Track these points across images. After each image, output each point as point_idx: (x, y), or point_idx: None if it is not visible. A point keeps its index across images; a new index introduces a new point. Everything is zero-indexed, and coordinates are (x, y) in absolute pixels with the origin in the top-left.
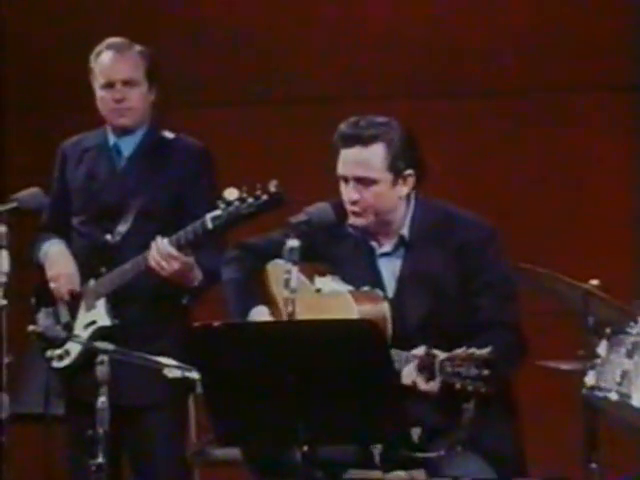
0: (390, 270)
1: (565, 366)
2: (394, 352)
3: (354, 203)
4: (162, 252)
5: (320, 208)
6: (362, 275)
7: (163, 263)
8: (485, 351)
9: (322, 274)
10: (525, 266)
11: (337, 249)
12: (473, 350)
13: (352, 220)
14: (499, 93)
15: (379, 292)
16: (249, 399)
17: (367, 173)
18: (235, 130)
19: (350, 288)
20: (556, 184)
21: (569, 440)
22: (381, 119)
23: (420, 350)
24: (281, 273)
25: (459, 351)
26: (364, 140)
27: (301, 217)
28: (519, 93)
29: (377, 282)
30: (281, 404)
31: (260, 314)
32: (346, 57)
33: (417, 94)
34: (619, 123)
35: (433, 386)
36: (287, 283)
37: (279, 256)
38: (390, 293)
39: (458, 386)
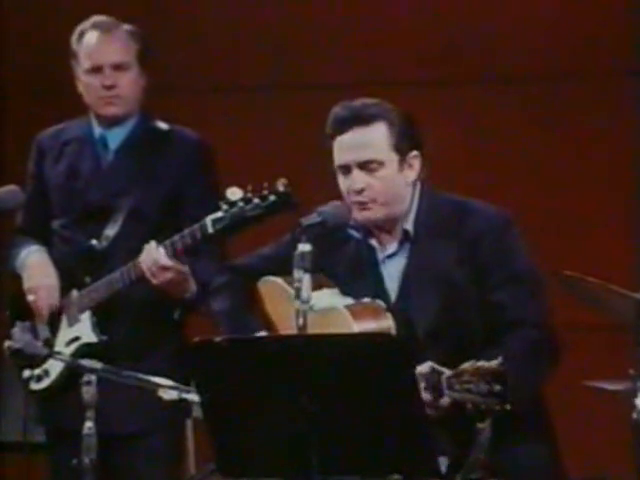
0: (395, 272)
1: (614, 387)
2: None
3: (360, 192)
4: (155, 260)
5: (335, 207)
6: (363, 284)
7: (155, 270)
8: (494, 363)
9: (318, 287)
10: (567, 274)
11: (337, 256)
12: (481, 363)
13: (358, 215)
14: (518, 80)
15: (380, 303)
16: (255, 424)
17: (372, 155)
18: (240, 120)
19: (349, 302)
20: (579, 172)
21: (618, 469)
22: (374, 100)
23: (425, 367)
24: (275, 290)
25: (466, 365)
26: (363, 119)
27: (314, 218)
28: (535, 80)
29: (379, 289)
30: (292, 430)
31: None
32: (358, 44)
33: (427, 81)
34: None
35: (442, 406)
36: (298, 293)
37: (272, 273)
38: (393, 296)
39: (469, 405)
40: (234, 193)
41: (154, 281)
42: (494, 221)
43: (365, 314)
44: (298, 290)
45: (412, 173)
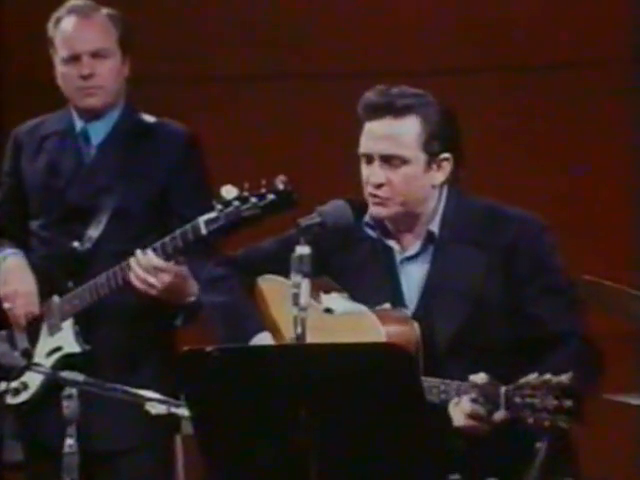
0: (415, 278)
1: (636, 401)
2: (439, 381)
3: (378, 187)
4: (146, 266)
5: (336, 207)
6: (378, 289)
7: (151, 279)
8: (565, 377)
9: (327, 290)
10: (588, 278)
11: (349, 257)
12: (549, 376)
13: (374, 210)
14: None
15: (406, 311)
16: (250, 440)
17: (397, 150)
18: (235, 111)
19: (363, 307)
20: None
21: None
22: (416, 90)
23: (480, 378)
24: (277, 290)
25: (530, 378)
26: (396, 110)
27: (313, 218)
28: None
29: (396, 295)
30: (290, 446)
31: (263, 342)
32: (378, 30)
33: (460, 69)
34: None
35: (497, 416)
36: (296, 299)
37: (274, 271)
38: (412, 306)
39: (531, 420)
40: (229, 191)
41: (152, 292)
42: (529, 228)
43: (391, 319)
44: (296, 296)
45: (440, 176)
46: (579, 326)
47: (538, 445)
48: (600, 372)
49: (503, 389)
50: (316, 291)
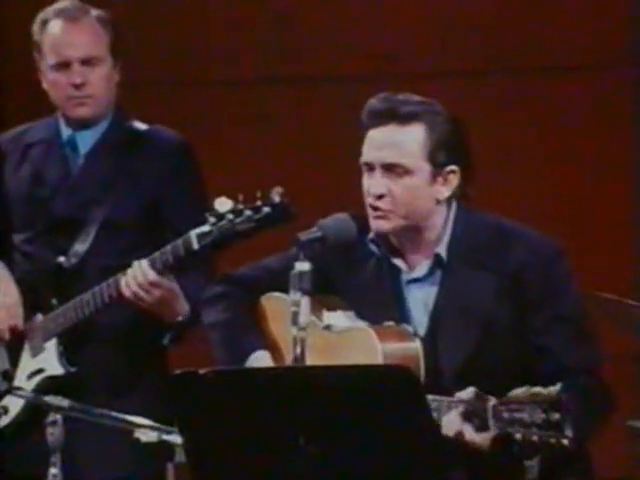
0: (421, 301)
1: None
2: (431, 398)
3: (379, 198)
4: (141, 279)
5: (338, 221)
6: (383, 309)
7: (142, 293)
8: (553, 389)
9: (331, 308)
10: (599, 294)
11: (354, 275)
12: (538, 389)
13: (374, 224)
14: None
15: (407, 328)
16: (246, 469)
17: (400, 159)
18: (232, 116)
19: (362, 323)
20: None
21: None
22: (422, 98)
23: (467, 393)
24: (280, 308)
25: (518, 392)
26: (400, 117)
27: (314, 233)
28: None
29: (402, 317)
30: (288, 475)
31: (260, 362)
32: (380, 33)
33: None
34: None
35: (485, 437)
36: (295, 318)
37: (277, 289)
38: (421, 331)
39: (518, 436)
40: (223, 204)
41: (141, 305)
42: (542, 251)
43: (390, 336)
44: (295, 315)
45: (445, 190)
46: (590, 359)
47: (527, 464)
48: (608, 410)
49: (491, 404)
50: (319, 308)
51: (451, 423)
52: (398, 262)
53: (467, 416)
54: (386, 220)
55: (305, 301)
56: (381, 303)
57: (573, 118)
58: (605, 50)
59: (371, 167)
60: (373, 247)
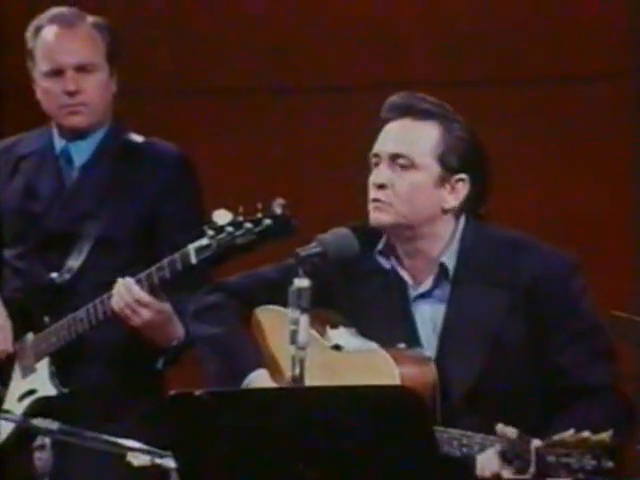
0: (429, 319)
1: None
2: (459, 433)
3: (380, 188)
4: (127, 297)
5: (339, 236)
6: (388, 326)
7: (128, 312)
8: (605, 435)
9: (332, 323)
10: (616, 314)
11: (357, 291)
12: (587, 434)
13: (372, 217)
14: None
15: (423, 352)
16: None
17: (407, 151)
18: (233, 125)
19: (375, 345)
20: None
21: None
22: (441, 101)
23: (507, 431)
24: (278, 322)
25: (565, 435)
26: (417, 112)
27: (313, 248)
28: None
29: (410, 335)
30: None
31: (259, 381)
32: (378, 42)
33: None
34: None
35: (527, 476)
36: (294, 337)
37: (272, 301)
38: (430, 350)
39: None
40: (222, 216)
41: (130, 323)
42: (556, 265)
43: (407, 360)
44: (294, 333)
45: (452, 199)
46: (610, 377)
47: None
48: (630, 423)
49: (534, 446)
50: (322, 325)
51: (490, 462)
52: (405, 276)
53: (507, 456)
54: (384, 213)
55: (304, 319)
56: (387, 319)
57: (593, 126)
58: (622, 58)
59: (378, 158)
60: (382, 259)
